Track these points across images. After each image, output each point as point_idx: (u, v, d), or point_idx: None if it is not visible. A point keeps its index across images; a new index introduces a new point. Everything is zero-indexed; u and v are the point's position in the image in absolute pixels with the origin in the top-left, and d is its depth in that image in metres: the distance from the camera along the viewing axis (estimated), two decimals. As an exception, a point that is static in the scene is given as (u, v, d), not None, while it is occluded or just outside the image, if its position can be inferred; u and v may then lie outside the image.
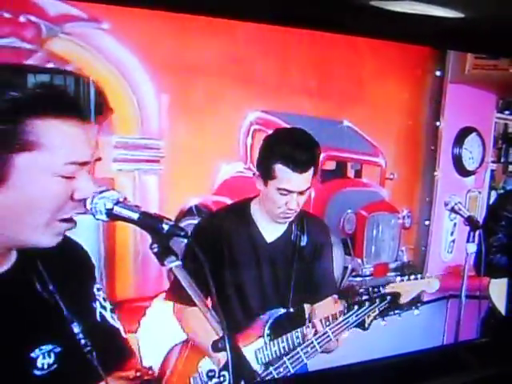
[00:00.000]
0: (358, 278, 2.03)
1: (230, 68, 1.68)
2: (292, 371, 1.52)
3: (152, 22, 1.48)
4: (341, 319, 1.52)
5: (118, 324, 1.01)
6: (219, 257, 1.51)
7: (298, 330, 1.52)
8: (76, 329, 0.88)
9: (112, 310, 1.01)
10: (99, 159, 0.88)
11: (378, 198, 2.08)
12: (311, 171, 1.48)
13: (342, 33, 1.80)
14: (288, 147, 1.44)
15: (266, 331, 1.55)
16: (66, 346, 0.88)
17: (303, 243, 1.59)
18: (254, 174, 1.53)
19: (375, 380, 1.96)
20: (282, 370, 1.51)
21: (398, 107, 2.10)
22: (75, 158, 0.80)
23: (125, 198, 0.87)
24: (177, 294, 1.45)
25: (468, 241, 2.12)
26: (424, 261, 2.27)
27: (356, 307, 1.52)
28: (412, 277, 1.66)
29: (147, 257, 1.49)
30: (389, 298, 1.54)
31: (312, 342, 1.51)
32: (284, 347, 1.52)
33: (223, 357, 0.91)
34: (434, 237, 2.28)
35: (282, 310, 1.57)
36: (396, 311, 1.64)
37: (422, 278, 1.65)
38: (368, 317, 1.52)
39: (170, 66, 1.56)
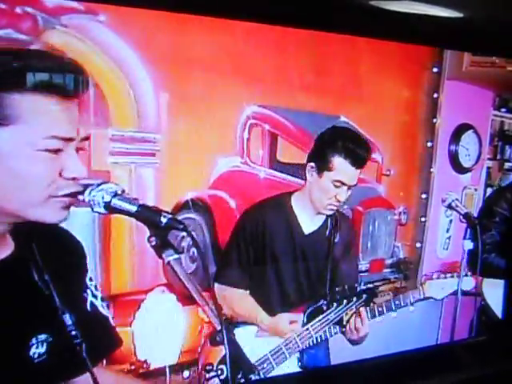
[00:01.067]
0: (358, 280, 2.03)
1: (228, 62, 1.67)
2: (275, 367, 1.58)
3: (150, 15, 1.47)
4: (320, 317, 1.60)
5: (106, 312, 1.02)
6: (261, 246, 1.62)
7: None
8: (67, 320, 0.88)
9: (102, 299, 1.01)
10: (87, 138, 0.87)
11: (375, 194, 2.08)
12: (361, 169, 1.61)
13: (340, 32, 1.81)
14: (351, 143, 1.58)
15: (304, 321, 1.63)
16: (57, 337, 0.88)
17: (336, 239, 1.69)
18: (306, 165, 1.62)
19: (370, 379, 1.97)
20: (265, 365, 1.58)
21: (394, 103, 2.10)
22: (55, 132, 0.80)
23: (123, 191, 0.87)
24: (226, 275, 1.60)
25: (465, 237, 2.12)
26: (420, 257, 2.27)
27: (335, 305, 1.60)
28: (448, 275, 1.77)
29: (142, 250, 1.48)
30: (364, 296, 1.63)
31: (294, 339, 1.58)
32: (321, 336, 1.60)
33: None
34: (430, 233, 2.28)
35: (318, 303, 1.65)
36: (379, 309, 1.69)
37: (458, 277, 1.73)
38: (346, 314, 1.59)
39: (167, 60, 1.55)
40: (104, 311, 1.01)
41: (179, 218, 1.57)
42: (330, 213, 1.65)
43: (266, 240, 1.63)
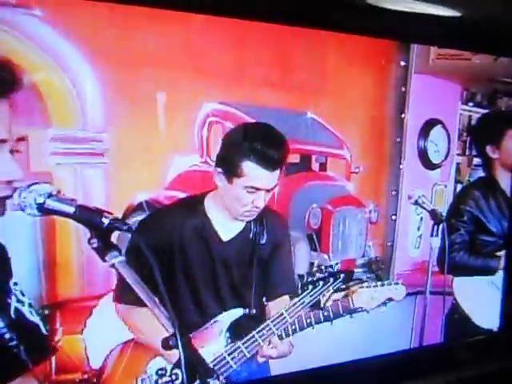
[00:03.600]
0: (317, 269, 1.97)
1: (183, 56, 1.58)
2: (248, 355, 1.44)
3: (93, 7, 1.38)
4: (296, 300, 1.46)
5: (37, 319, 0.98)
6: (169, 255, 1.44)
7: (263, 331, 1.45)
8: None
9: (30, 305, 0.97)
10: (22, 139, 0.83)
11: (344, 192, 2.03)
12: (279, 169, 1.41)
13: (334, 30, 1.78)
14: (259, 144, 1.36)
15: (225, 333, 1.48)
16: None
17: (262, 241, 1.52)
18: (214, 169, 1.43)
19: (360, 380, 1.92)
20: (236, 354, 1.43)
21: (362, 98, 2.06)
22: None
23: (58, 191, 0.84)
24: (124, 293, 1.38)
25: (432, 235, 2.10)
26: (391, 257, 2.23)
27: (310, 287, 1.46)
28: (379, 283, 1.62)
29: (92, 253, 1.38)
30: (342, 276, 1.49)
31: (268, 325, 1.44)
32: (248, 349, 1.45)
33: (175, 355, 0.85)
34: (401, 232, 2.25)
35: (241, 312, 1.50)
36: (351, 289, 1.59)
37: (388, 285, 1.63)
38: (323, 296, 1.47)
39: (113, 55, 1.46)
40: (32, 318, 0.97)
41: (132, 220, 1.50)
42: (250, 218, 1.46)
43: (174, 249, 1.43)
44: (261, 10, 1.60)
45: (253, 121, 1.69)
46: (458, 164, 2.46)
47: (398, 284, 1.65)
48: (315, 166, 1.98)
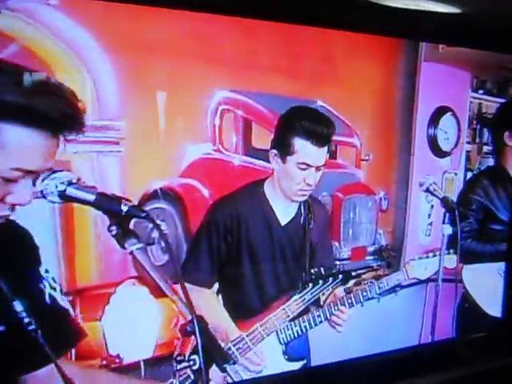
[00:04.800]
0: (336, 262, 1.99)
1: (195, 45, 1.60)
2: (251, 347, 1.53)
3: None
4: (296, 297, 1.55)
5: (67, 305, 1.00)
6: (236, 239, 1.54)
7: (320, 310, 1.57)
8: (18, 307, 0.85)
9: (62, 292, 0.99)
10: (50, 169, 0.84)
11: (354, 180, 2.04)
12: (327, 147, 1.52)
13: (336, 28, 1.79)
14: (309, 122, 1.49)
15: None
16: (8, 325, 0.85)
17: (311, 226, 1.62)
18: (270, 152, 1.54)
19: (363, 377, 1.94)
20: (241, 345, 1.52)
21: (372, 87, 2.06)
22: (23, 165, 0.77)
23: (78, 179, 0.84)
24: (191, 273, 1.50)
25: (444, 222, 2.10)
26: (402, 244, 2.24)
27: (311, 285, 1.55)
28: (430, 254, 1.74)
29: (109, 241, 1.41)
30: (341, 276, 1.59)
31: (271, 318, 1.54)
32: (305, 326, 1.56)
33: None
34: (412, 219, 2.25)
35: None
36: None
37: (440, 255, 1.70)
38: (323, 295, 1.56)
39: (128, 43, 1.47)
40: (64, 304, 0.99)
41: (148, 208, 1.53)
42: (303, 199, 1.57)
43: (241, 234, 1.54)
44: (268, 9, 1.61)
45: (265, 108, 1.73)
46: (467, 152, 2.45)
47: (449, 254, 1.73)
48: (325, 154, 1.99)
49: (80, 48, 1.39)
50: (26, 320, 0.85)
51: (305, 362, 1.68)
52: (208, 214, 1.55)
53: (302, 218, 1.62)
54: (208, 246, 1.53)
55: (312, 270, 1.58)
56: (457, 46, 2.18)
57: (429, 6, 1.91)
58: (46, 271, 0.97)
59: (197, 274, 1.52)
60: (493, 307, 2.39)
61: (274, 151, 1.53)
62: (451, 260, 1.76)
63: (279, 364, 1.62)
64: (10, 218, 0.86)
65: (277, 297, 1.59)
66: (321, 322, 1.61)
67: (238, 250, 1.55)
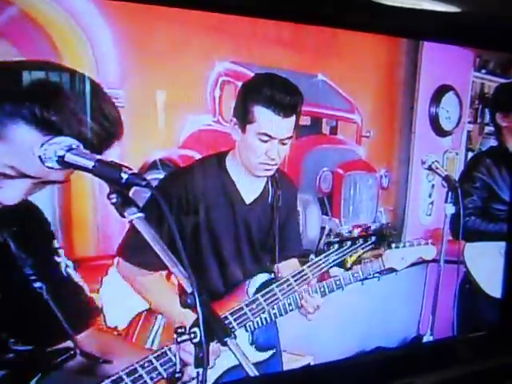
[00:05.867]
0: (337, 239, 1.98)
1: (197, 15, 1.57)
2: (266, 309, 1.43)
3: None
4: (321, 257, 1.47)
5: (82, 282, 0.98)
6: (193, 215, 1.41)
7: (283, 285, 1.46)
8: (39, 285, 0.88)
9: (75, 268, 1.01)
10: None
11: (355, 157, 2.02)
12: (293, 119, 1.39)
13: (332, 26, 1.76)
14: (270, 89, 1.37)
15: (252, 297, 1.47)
16: (31, 304, 0.86)
17: (280, 203, 1.51)
18: (230, 122, 1.42)
19: (356, 377, 1.94)
20: (255, 307, 1.42)
21: (374, 63, 2.04)
22: (22, 168, 0.79)
23: (78, 145, 0.83)
24: (134, 253, 1.34)
25: (446, 201, 2.10)
26: (403, 223, 2.23)
27: (336, 246, 1.49)
28: (407, 243, 1.67)
29: (108, 211, 1.39)
30: (374, 238, 1.50)
31: (288, 280, 1.44)
32: (275, 314, 1.47)
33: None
34: (412, 198, 2.24)
35: (266, 277, 1.50)
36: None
37: (418, 245, 1.65)
38: (350, 257, 1.49)
39: (128, 11, 1.44)
40: (80, 281, 1.02)
41: (148, 177, 1.51)
42: (267, 174, 1.43)
43: (198, 213, 1.39)
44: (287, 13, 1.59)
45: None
46: (469, 132, 2.44)
47: (428, 244, 1.69)
48: (326, 130, 1.97)
49: (80, 15, 1.36)
50: (46, 297, 0.87)
51: (274, 351, 1.58)
52: (159, 187, 1.41)
53: (269, 196, 1.50)
54: (159, 223, 1.27)
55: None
56: (458, 45, 2.16)
57: (429, 5, 1.89)
58: (59, 248, 0.98)
59: (142, 256, 1.29)
60: (493, 288, 2.39)
61: (234, 119, 1.42)
62: (430, 250, 1.71)
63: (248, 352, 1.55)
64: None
65: (242, 280, 1.49)
66: (292, 310, 1.51)
67: (194, 232, 1.41)
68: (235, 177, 1.45)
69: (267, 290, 1.44)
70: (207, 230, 1.43)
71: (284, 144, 1.42)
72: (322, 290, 1.51)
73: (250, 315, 1.43)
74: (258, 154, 1.39)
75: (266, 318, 1.46)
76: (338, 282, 1.54)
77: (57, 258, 0.96)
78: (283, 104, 1.37)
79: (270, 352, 1.56)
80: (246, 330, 1.49)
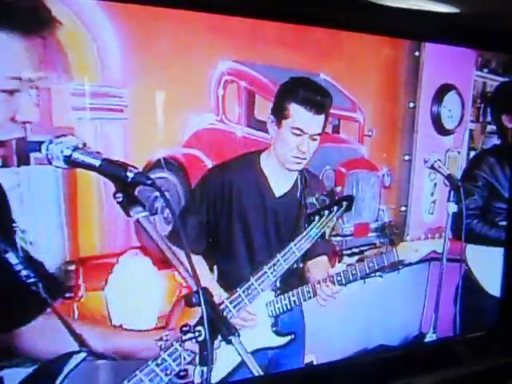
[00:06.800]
0: (339, 238, 1.99)
1: (200, 15, 1.58)
2: (261, 292, 1.53)
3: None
4: (303, 234, 1.56)
5: (40, 257, 0.98)
6: (227, 207, 1.54)
7: (309, 286, 1.57)
8: (13, 260, 0.83)
9: (31, 243, 1.00)
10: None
11: (357, 155, 2.03)
12: (322, 117, 1.55)
13: (332, 27, 1.79)
14: (305, 89, 1.55)
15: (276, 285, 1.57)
16: (7, 279, 0.81)
17: (308, 201, 1.63)
18: (268, 119, 1.58)
19: (355, 377, 1.95)
20: (250, 291, 1.52)
21: (375, 62, 2.04)
22: (16, 71, 0.79)
23: (84, 144, 0.84)
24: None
25: (448, 200, 2.10)
26: (405, 221, 2.24)
27: (317, 218, 1.57)
28: (422, 236, 1.73)
29: (113, 210, 1.40)
30: (344, 203, 1.61)
31: (278, 260, 1.54)
32: (294, 301, 1.57)
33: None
34: (415, 197, 2.25)
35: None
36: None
37: (432, 238, 1.68)
38: (327, 227, 1.55)
39: (132, 10, 1.45)
40: (36, 256, 0.97)
41: (152, 176, 1.52)
42: (297, 167, 1.58)
43: (232, 202, 1.55)
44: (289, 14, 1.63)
45: (268, 80, 1.72)
46: (471, 131, 2.44)
47: (441, 237, 1.72)
48: (328, 128, 1.98)
49: (84, 12, 1.37)
50: (24, 272, 0.86)
51: (292, 337, 1.66)
52: (200, 180, 1.56)
53: (298, 192, 1.62)
54: (196, 211, 1.54)
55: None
56: (459, 46, 2.17)
57: (430, 6, 1.89)
58: (14, 221, 0.96)
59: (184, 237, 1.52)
60: (493, 286, 2.39)
61: (271, 117, 1.58)
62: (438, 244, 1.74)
63: (266, 336, 1.61)
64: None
65: (268, 267, 1.57)
66: (310, 297, 1.60)
67: (228, 219, 1.55)
68: (267, 171, 1.60)
69: (260, 273, 1.53)
70: (239, 218, 1.56)
71: (314, 140, 1.56)
72: (339, 279, 1.58)
73: (244, 296, 1.53)
74: (291, 147, 1.53)
75: (286, 305, 1.58)
76: (353, 272, 1.61)
77: (15, 235, 0.95)
78: (315, 103, 1.53)
79: (288, 337, 1.64)
80: (270, 315, 1.58)
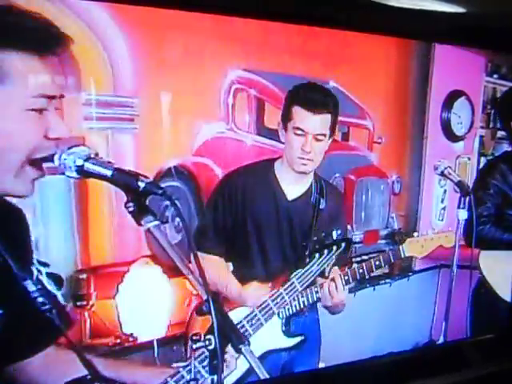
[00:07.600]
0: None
1: (210, 24, 1.59)
2: (264, 324, 1.53)
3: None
4: (305, 269, 1.56)
5: (53, 289, 0.99)
6: (241, 211, 1.56)
7: (317, 285, 1.56)
8: (30, 287, 0.84)
9: (48, 275, 0.98)
10: (62, 96, 0.85)
11: (367, 163, 2.02)
12: (327, 116, 1.53)
13: (335, 27, 1.77)
14: (304, 90, 1.56)
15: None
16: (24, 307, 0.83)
17: (321, 206, 1.63)
18: (278, 125, 1.59)
19: (367, 380, 1.94)
20: (254, 322, 1.52)
21: (385, 68, 2.04)
22: (42, 90, 0.79)
23: (96, 154, 0.83)
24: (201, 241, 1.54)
25: (459, 207, 2.08)
26: (415, 228, 2.23)
27: (317, 255, 1.56)
28: (429, 231, 1.69)
29: (123, 219, 1.41)
30: (343, 244, 1.59)
31: (281, 293, 1.54)
32: (304, 302, 1.56)
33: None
34: (425, 204, 2.24)
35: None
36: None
37: (437, 233, 1.69)
38: (328, 266, 1.56)
39: (143, 21, 1.47)
40: (51, 288, 0.98)
41: (162, 185, 1.52)
42: (304, 169, 1.58)
43: (246, 205, 1.57)
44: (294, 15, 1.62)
45: (278, 88, 1.73)
46: (481, 137, 2.42)
47: (448, 232, 1.71)
48: (337, 136, 1.98)
49: (96, 24, 1.40)
50: (40, 300, 0.85)
51: (302, 338, 1.64)
52: (216, 185, 1.59)
53: (312, 197, 1.63)
54: (213, 215, 1.56)
55: (315, 238, 1.58)
56: (468, 46, 2.15)
57: (438, 7, 1.89)
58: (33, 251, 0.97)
59: (203, 240, 1.56)
60: (506, 291, 2.36)
61: (281, 123, 1.60)
62: (449, 238, 1.72)
63: (275, 337, 1.60)
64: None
65: (282, 270, 1.59)
66: (319, 298, 1.58)
67: (243, 222, 1.57)
68: (280, 175, 1.62)
69: (264, 305, 1.54)
70: (253, 221, 1.58)
71: (318, 140, 1.54)
72: (346, 278, 1.58)
73: (263, 320, 1.52)
74: (295, 147, 1.54)
75: (295, 306, 1.57)
76: (361, 271, 1.60)
77: (32, 263, 0.96)
78: (313, 101, 1.53)
79: (298, 339, 1.62)
80: (279, 317, 1.58)
